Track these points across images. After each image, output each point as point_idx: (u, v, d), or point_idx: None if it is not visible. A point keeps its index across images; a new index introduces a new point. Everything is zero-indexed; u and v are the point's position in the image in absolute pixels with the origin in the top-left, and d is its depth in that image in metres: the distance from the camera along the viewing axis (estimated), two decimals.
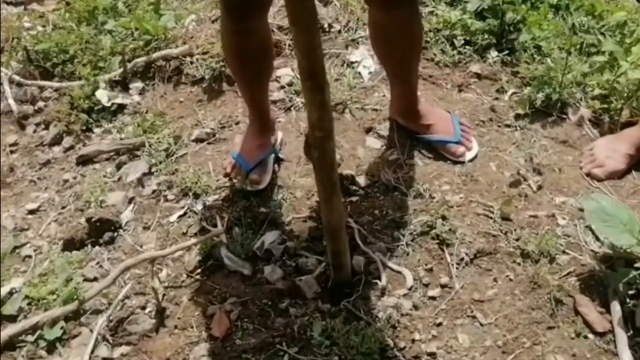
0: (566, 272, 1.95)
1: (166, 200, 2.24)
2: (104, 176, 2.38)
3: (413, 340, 1.81)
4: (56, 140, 2.62)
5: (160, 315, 1.89)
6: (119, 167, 2.39)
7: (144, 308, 1.91)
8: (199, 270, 2.01)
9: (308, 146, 1.53)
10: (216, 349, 1.79)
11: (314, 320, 1.83)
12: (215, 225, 2.11)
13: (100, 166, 2.45)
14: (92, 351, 1.79)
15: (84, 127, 2.62)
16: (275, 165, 2.30)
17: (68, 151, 2.58)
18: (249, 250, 2.01)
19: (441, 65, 2.66)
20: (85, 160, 2.49)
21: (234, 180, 2.21)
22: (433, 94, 2.56)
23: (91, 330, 1.85)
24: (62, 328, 1.83)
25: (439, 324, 1.84)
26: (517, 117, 2.44)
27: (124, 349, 1.81)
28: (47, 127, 2.67)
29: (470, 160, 2.29)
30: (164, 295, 1.94)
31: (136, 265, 1.95)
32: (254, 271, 1.98)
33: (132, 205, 2.25)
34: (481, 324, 1.84)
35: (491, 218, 2.09)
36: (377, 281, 1.92)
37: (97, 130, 2.61)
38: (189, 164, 2.34)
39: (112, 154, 2.48)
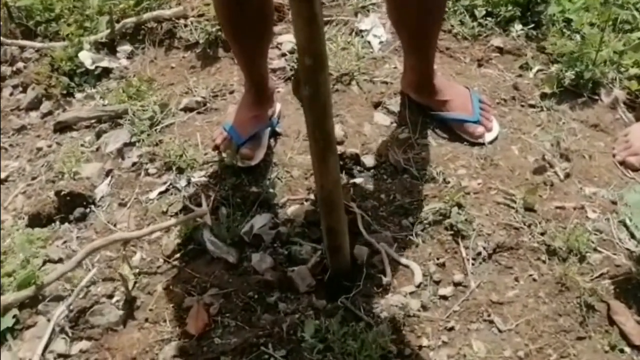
0: (598, 274, 1.64)
1: (147, 174, 1.93)
2: (82, 145, 2.08)
3: (420, 347, 1.51)
4: (34, 105, 2.32)
5: (129, 306, 1.60)
6: (98, 136, 2.09)
7: (110, 297, 1.62)
8: (177, 255, 1.71)
9: (297, 82, 1.21)
10: (191, 349, 1.49)
11: (306, 319, 1.53)
12: (199, 205, 1.80)
13: (79, 134, 2.14)
14: (47, 346, 1.49)
15: (65, 92, 2.32)
16: (271, 140, 1.99)
17: (46, 117, 2.28)
18: (236, 234, 1.71)
19: (459, 37, 2.34)
20: (63, 128, 2.19)
21: (224, 155, 1.90)
22: (450, 68, 2.24)
23: (49, 320, 1.54)
24: (14, 317, 1.53)
25: (451, 329, 1.54)
26: (543, 96, 2.13)
27: (84, 344, 1.52)
28: (24, 90, 2.37)
29: (490, 142, 1.98)
30: (135, 282, 1.64)
31: (106, 246, 1.65)
32: (240, 259, 1.68)
33: (109, 178, 1.95)
34: (500, 330, 1.54)
35: (513, 208, 1.78)
36: (381, 276, 1.62)
37: (78, 95, 2.31)
38: (175, 135, 2.04)
39: (92, 121, 2.17)
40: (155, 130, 2.06)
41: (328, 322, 1.52)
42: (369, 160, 1.93)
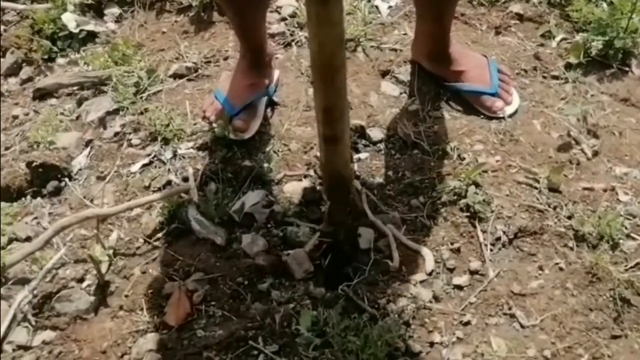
0: (634, 263, 1.42)
1: (130, 145, 1.71)
2: (61, 114, 1.85)
3: (432, 344, 1.29)
4: (13, 71, 2.09)
5: (102, 291, 1.38)
6: (80, 103, 1.87)
7: (81, 281, 1.40)
8: (159, 235, 1.49)
9: None
10: (169, 342, 1.28)
11: (301, 309, 1.32)
12: (185, 180, 1.58)
13: (59, 102, 1.92)
14: (5, 336, 1.28)
15: (46, 57, 2.09)
16: (268, 110, 1.76)
17: (25, 83, 2.05)
18: (225, 213, 1.49)
19: (475, 3, 2.11)
20: (43, 95, 1.97)
21: (214, 126, 1.67)
22: (465, 35, 2.00)
23: (10, 306, 1.33)
24: None
25: (467, 323, 1.32)
26: (568, 67, 1.89)
27: (48, 334, 1.30)
28: (3, 55, 2.13)
29: (510, 116, 1.75)
30: (110, 265, 1.42)
31: (77, 224, 1.43)
32: (228, 240, 1.46)
33: (88, 149, 1.73)
34: (522, 326, 1.32)
35: (536, 188, 1.55)
36: (388, 261, 1.40)
37: (61, 60, 2.08)
38: (162, 103, 1.81)
39: (74, 88, 1.95)
40: (141, 98, 1.84)
41: (327, 313, 1.30)
42: (375, 133, 1.71)
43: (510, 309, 1.35)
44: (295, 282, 1.39)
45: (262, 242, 1.44)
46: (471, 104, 1.78)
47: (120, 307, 1.35)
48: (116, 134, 1.76)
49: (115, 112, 1.82)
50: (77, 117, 1.84)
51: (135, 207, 1.48)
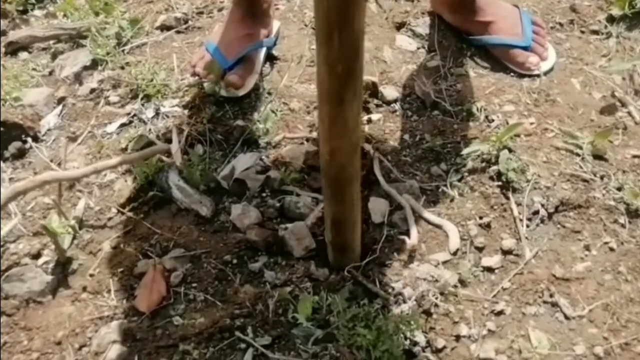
0: None
1: (108, 103, 1.45)
2: (33, 69, 1.59)
3: (458, 337, 1.03)
4: None
5: (62, 270, 1.13)
6: (54, 57, 1.60)
7: (37, 257, 1.15)
8: (134, 205, 1.23)
9: None
10: (139, 331, 1.03)
11: (300, 294, 1.06)
12: (169, 141, 1.32)
13: (32, 57, 1.65)
14: None
15: (21, 8, 1.83)
16: (266, 66, 1.49)
17: None
18: (212, 179, 1.23)
19: None
20: (15, 49, 1.70)
21: (204, 82, 1.40)
22: None
23: None
24: None
25: (500, 313, 1.07)
26: (610, 20, 1.62)
27: None
28: None
29: (545, 74, 1.48)
30: (73, 238, 1.16)
31: (35, 189, 1.17)
32: (215, 211, 1.20)
33: (60, 107, 1.46)
34: (567, 317, 1.07)
35: (578, 155, 1.29)
36: (405, 238, 1.13)
37: (37, 12, 1.83)
38: (146, 58, 1.54)
39: (50, 42, 1.68)
40: (123, 51, 1.57)
41: (331, 299, 1.04)
42: (389, 91, 1.44)
43: (551, 296, 1.09)
44: (294, 262, 1.13)
45: (255, 213, 1.18)
46: (499, 59, 1.52)
47: (84, 289, 1.10)
48: (92, 90, 1.50)
49: (93, 66, 1.56)
50: (51, 73, 1.58)
51: (104, 170, 1.22)
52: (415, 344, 1.01)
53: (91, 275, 1.12)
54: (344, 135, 0.84)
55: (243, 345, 1.01)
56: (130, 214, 1.22)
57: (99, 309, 1.07)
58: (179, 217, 1.20)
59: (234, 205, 1.20)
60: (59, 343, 1.02)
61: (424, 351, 1.01)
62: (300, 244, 1.13)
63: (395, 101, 1.44)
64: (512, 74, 1.49)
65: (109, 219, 1.22)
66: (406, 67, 1.52)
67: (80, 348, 1.01)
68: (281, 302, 1.06)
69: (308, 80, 1.49)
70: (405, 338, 1.00)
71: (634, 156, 1.31)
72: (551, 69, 1.49)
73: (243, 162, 1.25)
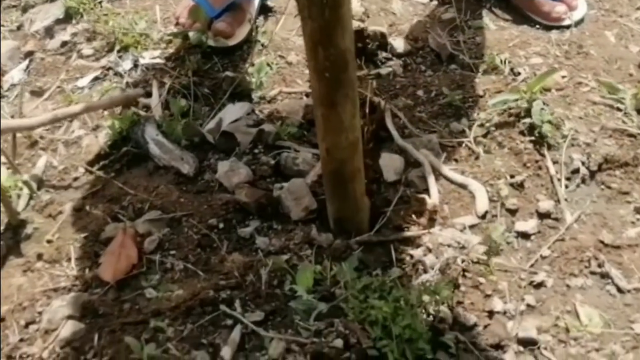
0: None
1: (81, 56, 1.26)
2: (2, 26, 1.38)
3: (491, 313, 0.84)
4: None
5: (14, 235, 0.93)
6: (25, 11, 1.40)
7: None
8: (104, 162, 1.03)
9: None
10: (101, 305, 0.83)
11: (299, 263, 0.86)
12: (148, 95, 1.12)
13: (4, 13, 1.45)
14: None
15: None
16: (261, 18, 1.30)
17: None
18: (196, 132, 1.03)
19: None
20: None
21: (189, 31, 1.21)
22: None
23: None
24: None
25: (540, 285, 0.87)
26: None
27: None
28: None
29: (576, 25, 1.28)
30: (30, 199, 0.96)
31: None
32: (199, 169, 1.00)
33: (26, 62, 1.26)
34: (620, 290, 0.88)
35: (619, 110, 1.10)
36: (425, 197, 0.93)
37: None
38: (126, 9, 1.34)
39: None
40: (100, 3, 1.37)
41: (337, 268, 0.84)
42: (399, 44, 1.25)
43: (600, 266, 0.90)
44: (291, 226, 0.93)
45: (245, 171, 0.98)
46: (522, 10, 1.33)
47: (39, 257, 0.90)
48: (64, 44, 1.30)
49: (67, 19, 1.36)
50: (19, 27, 1.38)
51: (66, 118, 1.02)
52: (441, 320, 0.81)
53: (49, 242, 0.92)
54: (339, 133, 0.78)
55: (229, 322, 0.80)
56: (99, 172, 1.02)
57: (55, 280, 0.86)
58: (156, 176, 1.00)
59: (221, 162, 1.00)
60: (2, 320, 0.81)
61: (451, 329, 0.81)
62: (298, 204, 0.93)
63: (406, 54, 1.26)
64: (537, 26, 1.30)
65: (75, 179, 1.02)
66: (418, 19, 1.33)
67: (27, 325, 0.81)
68: (276, 272, 0.86)
69: None
70: (428, 314, 0.80)
71: None
72: (582, 21, 1.31)
73: (232, 112, 1.05)
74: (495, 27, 1.31)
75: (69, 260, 0.89)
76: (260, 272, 0.86)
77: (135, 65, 1.21)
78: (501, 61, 1.20)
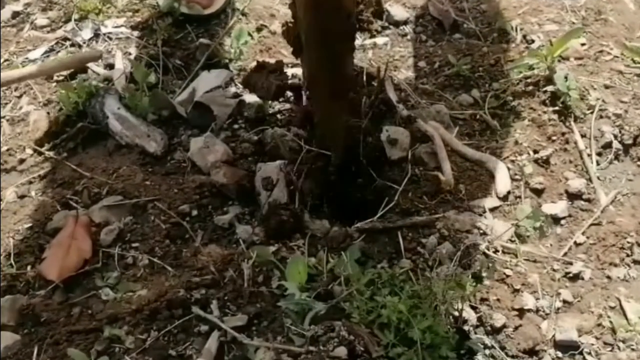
0: None
1: (34, 27, 1.09)
2: None
3: (521, 312, 0.69)
4: None
5: None
6: None
7: None
8: (55, 142, 0.86)
9: None
10: (44, 310, 0.66)
11: (289, 255, 0.70)
12: (111, 67, 0.96)
13: None
14: None
15: None
16: None
17: None
18: (165, 104, 0.87)
19: None
20: None
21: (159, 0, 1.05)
22: None
23: None
24: None
25: (576, 277, 0.73)
26: None
27: None
28: None
29: None
30: None
31: None
32: (168, 147, 0.84)
33: None
34: None
35: None
36: (438, 174, 0.78)
37: None
38: None
39: None
40: None
41: (335, 260, 0.69)
42: (397, 11, 1.10)
43: None
44: None
45: (223, 148, 0.82)
46: None
47: None
48: (16, 14, 1.13)
49: None
50: None
51: (8, 83, 0.85)
52: (464, 321, 0.65)
53: None
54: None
55: (204, 327, 0.64)
56: (49, 153, 0.85)
57: None
58: (117, 156, 0.84)
59: (194, 138, 0.84)
60: None
61: (475, 332, 0.66)
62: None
63: (404, 23, 1.11)
64: None
65: (21, 160, 0.86)
66: None
67: None
68: (261, 266, 0.70)
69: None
70: (447, 315, 0.65)
71: None
72: None
73: (207, 81, 0.89)
74: None
75: (8, 256, 0.72)
76: (242, 266, 0.70)
77: (96, 35, 1.04)
78: (512, 28, 1.05)
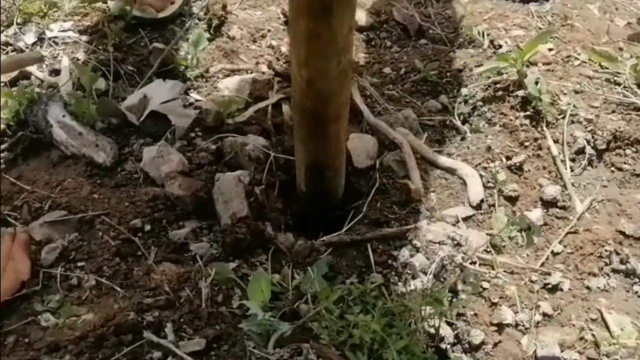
0: None
1: None
2: None
3: (500, 327, 0.64)
4: None
5: None
6: None
7: None
8: None
9: None
10: None
11: (251, 271, 0.64)
12: (56, 72, 0.89)
13: None
14: None
15: None
16: None
17: None
18: (114, 112, 0.80)
19: None
20: None
21: (109, 2, 0.99)
22: None
23: None
24: None
25: (555, 288, 0.69)
26: None
27: None
28: None
29: None
30: None
31: None
32: (118, 158, 0.78)
33: None
34: None
35: (617, 84, 0.93)
36: (408, 182, 0.74)
37: None
38: None
39: None
40: None
41: (301, 277, 0.63)
42: (360, 16, 1.07)
43: (623, 261, 0.73)
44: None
45: (178, 158, 0.76)
46: None
47: None
48: None
49: None
50: None
51: None
52: (441, 340, 0.61)
53: None
54: (330, 56, 0.56)
55: (157, 354, 0.58)
56: None
57: None
58: (62, 167, 0.78)
59: (147, 148, 0.78)
60: None
61: (452, 349, 0.61)
62: (227, 208, 0.71)
63: (368, 29, 1.07)
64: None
65: None
66: None
67: None
68: (220, 284, 0.65)
69: (252, 6, 1.10)
70: (421, 333, 0.60)
71: None
72: None
73: (161, 92, 0.83)
74: None
75: None
76: (200, 285, 0.64)
77: (41, 39, 0.97)
78: (479, 33, 1.03)
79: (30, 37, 0.98)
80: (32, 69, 0.92)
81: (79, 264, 0.67)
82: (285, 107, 0.88)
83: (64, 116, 0.80)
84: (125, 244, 0.70)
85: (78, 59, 0.94)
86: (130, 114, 0.80)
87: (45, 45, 0.98)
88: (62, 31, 0.99)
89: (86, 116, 0.81)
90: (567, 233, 0.75)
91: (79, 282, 0.66)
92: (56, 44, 0.98)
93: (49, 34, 0.99)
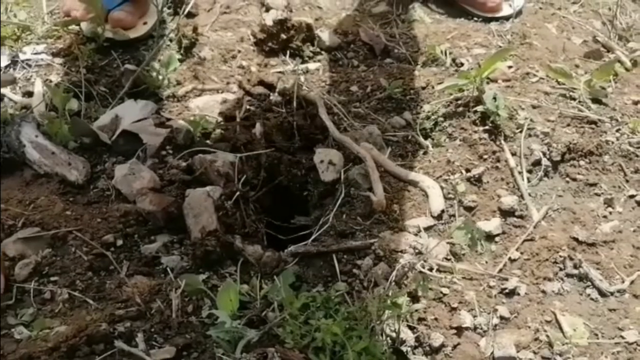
0: None
1: None
2: None
3: (459, 330, 0.68)
4: None
5: None
6: None
7: None
8: None
9: None
10: None
11: (220, 282, 0.68)
12: (29, 94, 0.92)
13: None
14: None
15: None
16: (170, 11, 1.13)
17: None
18: (86, 131, 0.84)
19: None
20: None
21: (82, 26, 1.03)
22: None
23: None
24: None
25: (512, 292, 0.74)
26: None
27: None
28: None
29: (516, 17, 1.19)
30: None
31: None
32: (91, 176, 0.81)
33: None
34: (602, 293, 0.75)
35: (573, 99, 0.99)
36: (370, 195, 0.78)
37: None
38: (4, 4, 1.13)
39: None
40: None
41: (268, 286, 0.67)
42: (328, 37, 1.11)
43: (577, 266, 0.77)
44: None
45: (149, 175, 0.80)
46: (458, 4, 1.23)
47: None
48: None
49: None
50: None
51: None
52: (402, 342, 0.65)
53: None
54: None
55: None
56: None
57: None
58: (34, 186, 0.80)
59: (119, 165, 0.81)
60: None
61: (414, 352, 0.65)
62: (197, 222, 0.75)
63: (336, 48, 1.12)
64: (475, 18, 1.21)
65: None
66: (346, 13, 1.20)
67: None
68: (191, 295, 0.68)
69: (223, 27, 1.14)
70: (384, 336, 0.64)
71: (635, 102, 1.04)
72: (520, 12, 1.22)
73: (132, 111, 0.87)
74: (430, 20, 1.21)
75: None
76: (170, 296, 0.67)
77: (14, 62, 1.00)
78: (442, 52, 1.08)
79: (3, 60, 1.01)
80: (6, 91, 0.95)
81: (52, 278, 0.70)
82: (257, 125, 0.92)
83: (36, 136, 0.83)
84: (98, 258, 0.73)
85: (51, 81, 0.97)
86: (103, 133, 0.83)
87: (18, 67, 1.01)
88: (35, 54, 1.03)
89: (59, 136, 0.84)
90: (524, 240, 0.80)
91: (52, 296, 0.68)
92: (29, 66, 1.01)
93: (22, 56, 1.02)
